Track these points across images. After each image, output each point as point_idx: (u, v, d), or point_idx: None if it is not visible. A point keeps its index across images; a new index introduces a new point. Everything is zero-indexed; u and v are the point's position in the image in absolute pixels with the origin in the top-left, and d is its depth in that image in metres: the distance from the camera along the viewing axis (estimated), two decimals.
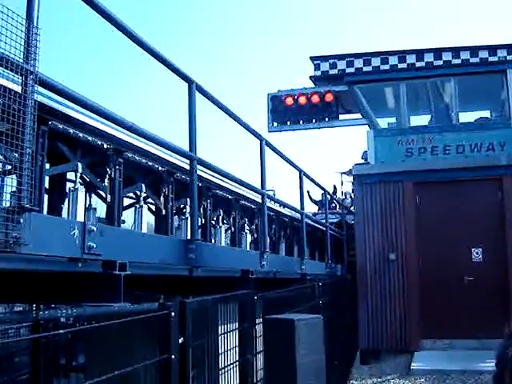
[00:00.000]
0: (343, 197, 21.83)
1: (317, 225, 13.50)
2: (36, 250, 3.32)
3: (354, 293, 13.19)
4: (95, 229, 3.90)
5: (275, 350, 5.56)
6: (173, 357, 4.06)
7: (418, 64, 14.50)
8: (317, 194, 19.99)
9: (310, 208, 19.13)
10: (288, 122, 15.81)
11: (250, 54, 78.31)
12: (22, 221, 3.11)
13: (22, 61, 3.16)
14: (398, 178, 13.26)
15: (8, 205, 3.17)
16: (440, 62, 14.44)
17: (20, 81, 3.22)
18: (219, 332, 5.23)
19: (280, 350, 5.47)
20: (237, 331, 5.63)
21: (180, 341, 4.19)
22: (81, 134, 5.09)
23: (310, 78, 15.38)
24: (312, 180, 12.00)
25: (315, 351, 5.56)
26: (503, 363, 2.03)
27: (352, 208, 17.02)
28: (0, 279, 4.03)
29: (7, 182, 3.35)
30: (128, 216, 6.86)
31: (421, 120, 15.37)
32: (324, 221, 13.49)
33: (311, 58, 15.29)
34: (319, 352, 5.75)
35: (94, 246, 3.86)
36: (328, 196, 15.22)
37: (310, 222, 12.56)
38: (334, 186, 22.02)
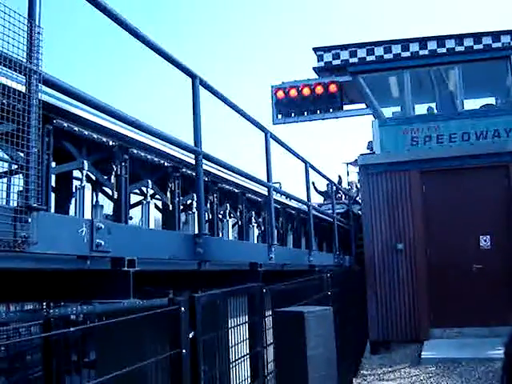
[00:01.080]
0: (348, 187, 21.82)
1: (324, 216, 13.50)
2: (45, 248, 3.33)
3: (363, 283, 13.19)
4: (103, 226, 3.91)
5: (286, 343, 5.57)
6: (183, 351, 4.08)
7: (422, 52, 14.48)
8: (322, 185, 20.00)
9: (316, 199, 19.15)
10: (292, 114, 15.82)
11: (253, 46, 78.12)
12: (29, 220, 3.12)
13: (25, 60, 3.17)
14: (403, 167, 13.23)
15: (15, 204, 3.19)
16: (443, 50, 14.41)
17: (24, 80, 3.23)
18: (229, 325, 5.24)
19: (290, 342, 5.48)
20: (246, 324, 5.65)
21: (190, 335, 4.20)
22: (86, 132, 5.10)
23: (314, 69, 15.38)
24: (317, 171, 11.99)
25: (325, 343, 5.56)
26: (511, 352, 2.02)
27: (358, 198, 17.03)
28: (10, 278, 4.05)
29: (14, 182, 3.36)
30: (135, 212, 6.89)
31: (425, 108, 15.33)
32: (331, 211, 13.49)
33: (314, 48, 15.28)
34: (330, 343, 5.76)
35: (103, 243, 3.87)
36: (334, 187, 15.21)
37: (316, 213, 12.56)
38: (339, 177, 22.02)
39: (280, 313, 5.86)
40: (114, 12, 4.30)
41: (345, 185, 22.13)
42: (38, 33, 3.21)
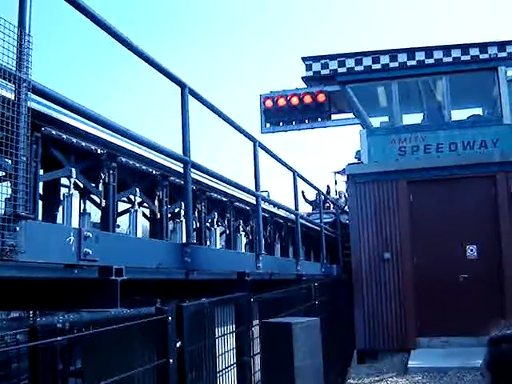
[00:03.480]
0: (337, 196, 21.86)
1: (312, 225, 13.51)
2: (32, 257, 3.32)
3: (350, 292, 13.21)
4: (91, 235, 3.89)
5: (273, 354, 5.57)
6: (171, 361, 4.07)
7: (410, 63, 14.56)
8: (311, 194, 20.02)
9: (305, 208, 19.17)
10: (281, 123, 15.86)
11: (241, 55, 78.30)
12: (17, 229, 3.11)
13: (14, 69, 3.16)
14: (391, 176, 13.28)
15: (1, 212, 3.17)
16: (431, 61, 14.51)
17: (13, 88, 3.22)
18: (216, 335, 5.23)
19: (278, 353, 5.48)
20: (234, 333, 5.64)
21: (178, 345, 4.19)
22: (74, 140, 5.09)
23: (302, 78, 15.42)
24: (306, 181, 12.02)
25: (313, 354, 5.57)
26: (499, 370, 2.00)
27: (346, 207, 17.06)
28: None
29: (4, 190, 3.34)
30: (122, 220, 6.87)
31: (413, 119, 15.41)
32: (318, 221, 13.51)
33: (303, 58, 15.33)
34: (317, 354, 5.76)
35: (90, 252, 3.86)
36: (322, 196, 15.23)
37: (304, 222, 12.57)
38: (328, 186, 22.05)
39: (268, 323, 5.86)
40: (107, 23, 4.31)
41: (333, 194, 22.16)
42: (28, 41, 3.21)
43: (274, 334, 5.63)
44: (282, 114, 15.49)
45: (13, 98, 3.20)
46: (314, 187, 13.61)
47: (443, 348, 12.28)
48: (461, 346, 11.94)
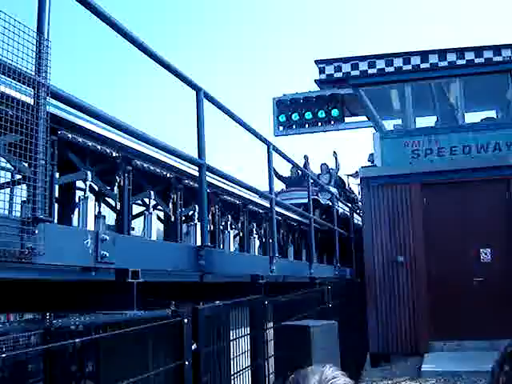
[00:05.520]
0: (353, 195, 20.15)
1: (324, 226, 13.41)
2: (50, 259, 3.35)
3: (363, 295, 13.18)
4: (108, 237, 3.92)
5: (289, 357, 5.56)
6: (186, 363, 4.09)
7: (423, 65, 14.51)
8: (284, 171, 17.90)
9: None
10: (293, 126, 15.91)
11: (254, 56, 78.33)
12: (36, 232, 3.14)
13: (33, 73, 3.20)
14: (405, 179, 13.25)
15: (19, 215, 3.21)
16: (445, 63, 14.44)
17: (32, 93, 3.26)
18: (231, 337, 5.25)
19: (295, 356, 5.47)
20: (248, 336, 5.65)
21: (193, 347, 4.21)
22: (90, 143, 5.13)
23: (315, 81, 15.43)
24: (318, 184, 11.99)
25: (331, 357, 5.56)
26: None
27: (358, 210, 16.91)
28: (16, 289, 4.07)
29: (17, 192, 3.39)
30: (137, 223, 6.91)
31: (427, 121, 15.38)
32: (295, 201, 12.93)
33: (316, 61, 15.33)
34: (335, 358, 5.75)
35: (107, 254, 3.89)
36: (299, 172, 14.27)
37: (318, 226, 12.54)
38: (306, 156, 19.02)
39: (285, 326, 5.86)
40: (122, 26, 4.34)
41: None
42: (47, 46, 3.25)
43: (292, 336, 5.62)
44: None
45: (32, 103, 3.24)
46: (291, 162, 12.93)
47: (457, 352, 12.22)
48: (475, 350, 11.87)
